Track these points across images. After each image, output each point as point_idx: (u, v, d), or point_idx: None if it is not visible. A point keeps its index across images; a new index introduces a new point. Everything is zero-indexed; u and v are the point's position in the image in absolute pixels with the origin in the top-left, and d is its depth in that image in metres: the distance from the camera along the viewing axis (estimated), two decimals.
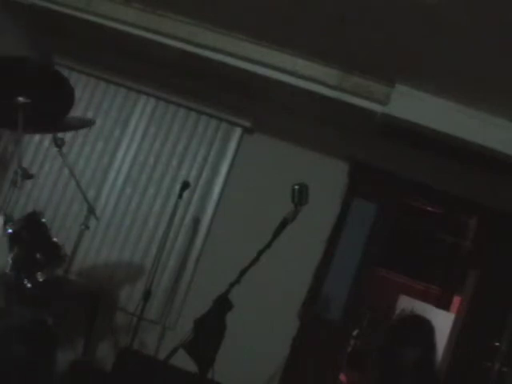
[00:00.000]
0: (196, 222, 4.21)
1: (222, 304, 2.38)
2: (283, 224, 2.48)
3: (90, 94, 4.39)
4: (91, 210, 3.48)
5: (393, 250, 5.29)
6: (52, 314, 2.59)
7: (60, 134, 3.29)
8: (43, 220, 2.89)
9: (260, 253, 2.48)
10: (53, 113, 2.68)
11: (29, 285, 2.67)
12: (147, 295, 3.68)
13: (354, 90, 3.63)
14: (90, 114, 4.29)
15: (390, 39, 3.08)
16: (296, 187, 2.50)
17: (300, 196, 2.48)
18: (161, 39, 3.79)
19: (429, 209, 5.54)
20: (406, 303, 5.35)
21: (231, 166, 4.28)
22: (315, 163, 4.16)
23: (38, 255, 2.77)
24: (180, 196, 3.76)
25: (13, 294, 2.69)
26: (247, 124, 4.27)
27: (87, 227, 3.48)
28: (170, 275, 4.17)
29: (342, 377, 4.79)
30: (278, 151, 4.25)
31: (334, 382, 4.18)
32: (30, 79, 2.47)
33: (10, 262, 2.66)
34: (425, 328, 2.71)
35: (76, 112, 3.78)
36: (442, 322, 4.49)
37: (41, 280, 2.71)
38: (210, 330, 2.38)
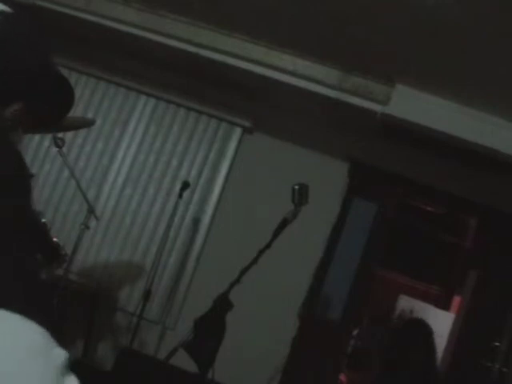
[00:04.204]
0: (196, 222, 4.21)
1: (222, 304, 2.38)
2: (283, 224, 2.49)
3: (89, 94, 4.40)
4: (91, 210, 3.48)
5: (393, 250, 5.28)
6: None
7: (60, 134, 3.29)
8: (43, 220, 2.89)
9: (260, 253, 2.48)
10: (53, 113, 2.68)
11: None
12: (147, 295, 3.68)
13: (354, 90, 3.63)
14: (89, 114, 4.29)
15: (390, 39, 3.08)
16: (296, 187, 2.51)
17: (300, 196, 2.49)
18: (161, 39, 3.79)
19: (429, 209, 5.53)
20: (406, 303, 5.36)
21: (231, 166, 4.28)
22: (315, 163, 4.15)
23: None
24: (180, 196, 3.76)
25: None
26: (247, 124, 4.27)
27: (87, 227, 3.48)
28: (170, 275, 4.17)
29: (342, 377, 4.79)
30: (278, 151, 4.25)
31: (334, 381, 4.18)
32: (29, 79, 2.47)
33: None
34: (425, 332, 2.72)
35: (76, 112, 3.78)
36: (442, 322, 4.50)
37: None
38: (209, 330, 2.38)
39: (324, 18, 3.12)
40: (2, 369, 0.47)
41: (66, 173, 4.19)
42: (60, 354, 0.52)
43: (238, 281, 2.43)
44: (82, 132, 4.27)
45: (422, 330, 2.75)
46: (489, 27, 2.64)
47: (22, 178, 0.69)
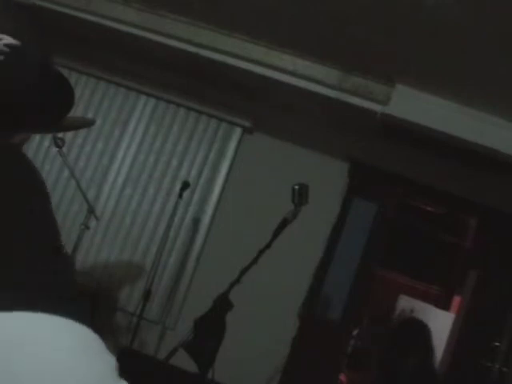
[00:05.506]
0: (196, 222, 4.21)
1: (222, 304, 2.38)
2: (283, 224, 2.49)
3: (89, 94, 4.40)
4: (91, 210, 3.48)
5: (393, 250, 5.28)
6: None
7: (60, 134, 3.29)
8: None
9: (260, 253, 2.48)
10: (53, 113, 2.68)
11: None
12: (147, 295, 3.68)
13: (354, 90, 3.63)
14: (89, 114, 4.29)
15: (390, 39, 3.08)
16: (296, 187, 2.51)
17: (300, 196, 2.49)
18: (161, 39, 3.79)
19: (429, 209, 5.53)
20: (406, 303, 5.35)
21: (231, 166, 4.28)
22: (315, 163, 4.16)
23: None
24: (180, 196, 3.76)
25: None
26: (247, 124, 4.27)
27: (87, 227, 3.48)
28: (170, 275, 4.17)
29: (342, 377, 4.79)
30: (278, 151, 4.25)
31: (334, 382, 4.18)
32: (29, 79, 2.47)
33: None
34: (424, 331, 2.72)
35: (76, 112, 3.78)
36: (442, 322, 4.50)
37: None
38: (209, 330, 2.38)
39: (324, 18, 3.12)
40: (71, 366, 0.50)
41: (66, 173, 4.19)
42: (112, 358, 0.55)
43: (238, 281, 2.43)
44: (82, 132, 4.27)
45: (421, 330, 2.75)
46: (489, 27, 2.64)
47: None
